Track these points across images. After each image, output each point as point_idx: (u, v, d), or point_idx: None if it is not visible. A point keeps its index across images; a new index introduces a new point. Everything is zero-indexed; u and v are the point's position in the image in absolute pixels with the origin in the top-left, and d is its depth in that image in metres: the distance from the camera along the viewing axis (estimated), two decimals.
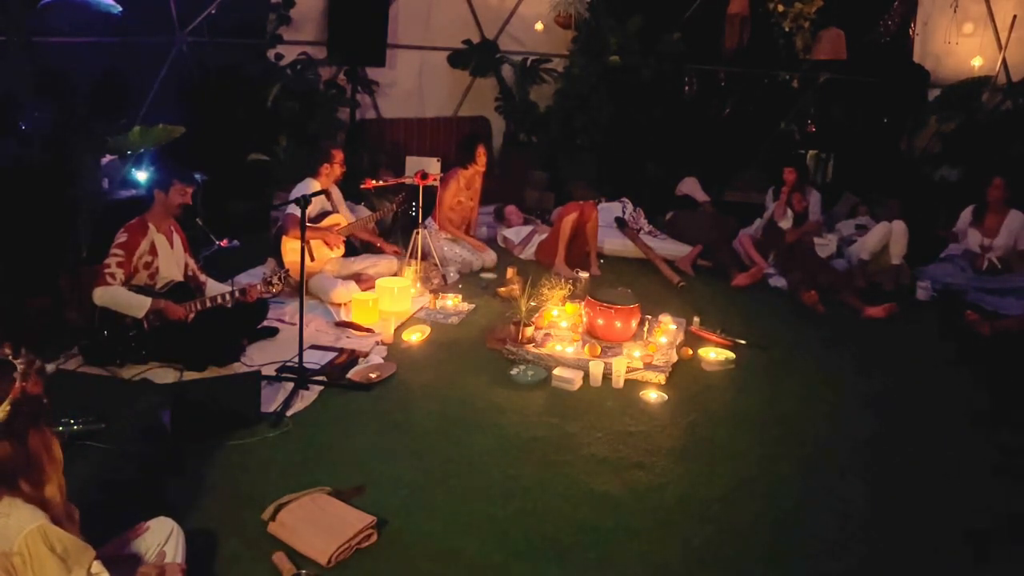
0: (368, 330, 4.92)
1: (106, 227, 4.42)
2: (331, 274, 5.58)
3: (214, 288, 4.54)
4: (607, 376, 4.34)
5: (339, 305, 5.31)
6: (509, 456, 3.53)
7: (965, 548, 3.06)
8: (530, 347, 4.63)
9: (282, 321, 4.93)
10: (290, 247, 5.28)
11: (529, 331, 4.69)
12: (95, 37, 5.81)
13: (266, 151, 7.16)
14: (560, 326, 4.96)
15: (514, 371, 4.41)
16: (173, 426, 3.47)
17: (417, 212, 5.96)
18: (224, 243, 5.37)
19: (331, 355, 4.45)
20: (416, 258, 5.94)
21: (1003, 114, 8.06)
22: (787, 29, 8.31)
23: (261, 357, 4.42)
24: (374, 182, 6.13)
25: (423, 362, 4.59)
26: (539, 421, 3.89)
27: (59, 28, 5.42)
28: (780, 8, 8.21)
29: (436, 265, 6.05)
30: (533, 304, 4.85)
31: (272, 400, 3.87)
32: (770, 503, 3.28)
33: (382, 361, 4.51)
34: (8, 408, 1.94)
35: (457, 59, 9.06)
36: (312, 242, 5.32)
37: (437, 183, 6.24)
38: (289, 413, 3.78)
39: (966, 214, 6.54)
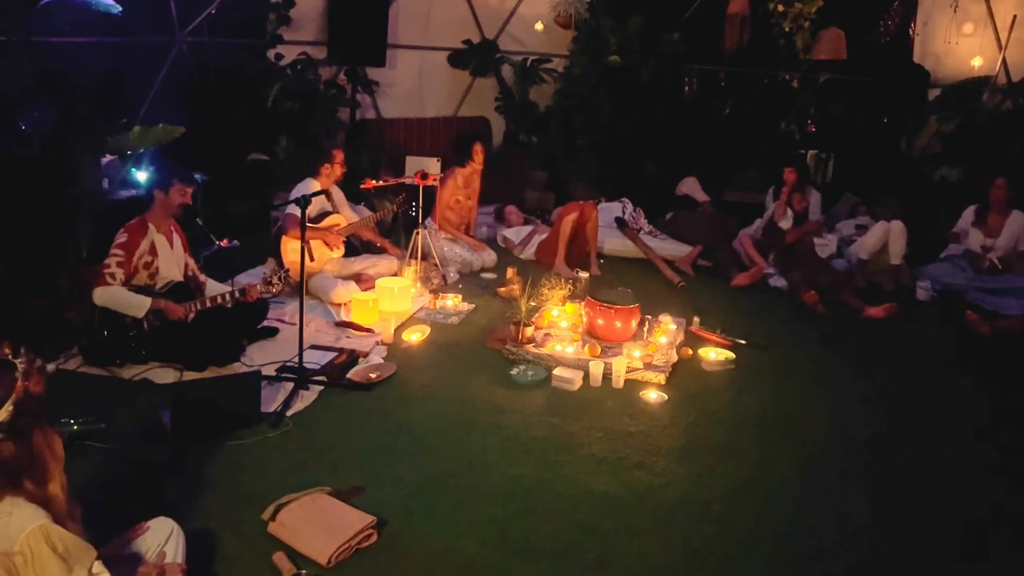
0: (368, 330, 4.92)
1: (106, 227, 4.42)
2: (331, 274, 5.58)
3: (214, 288, 4.55)
4: (607, 376, 4.34)
5: (339, 305, 5.31)
6: (509, 456, 3.53)
7: (965, 548, 3.06)
8: (530, 347, 4.63)
9: (282, 321, 4.93)
10: (290, 247, 5.28)
11: (529, 331, 4.69)
12: (95, 37, 5.80)
13: (266, 151, 7.16)
14: (560, 326, 4.96)
15: (514, 371, 4.41)
16: (173, 426, 3.47)
17: (417, 212, 5.96)
18: (224, 243, 5.37)
19: (331, 355, 4.45)
20: (416, 258, 5.94)
21: (1003, 114, 8.06)
22: (787, 29, 8.31)
23: (261, 357, 4.42)
24: (374, 182, 6.13)
25: (423, 362, 4.59)
26: (539, 421, 3.89)
27: (59, 28, 5.41)
28: (780, 8, 8.21)
29: (436, 265, 6.05)
30: (533, 304, 4.85)
31: (272, 400, 3.87)
32: (770, 503, 3.28)
33: (382, 361, 4.51)
34: (11, 408, 1.94)
35: (457, 59, 9.06)
36: (312, 242, 5.32)
37: (437, 183, 6.24)
38: (289, 413, 3.78)
39: (968, 214, 6.53)
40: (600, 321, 4.75)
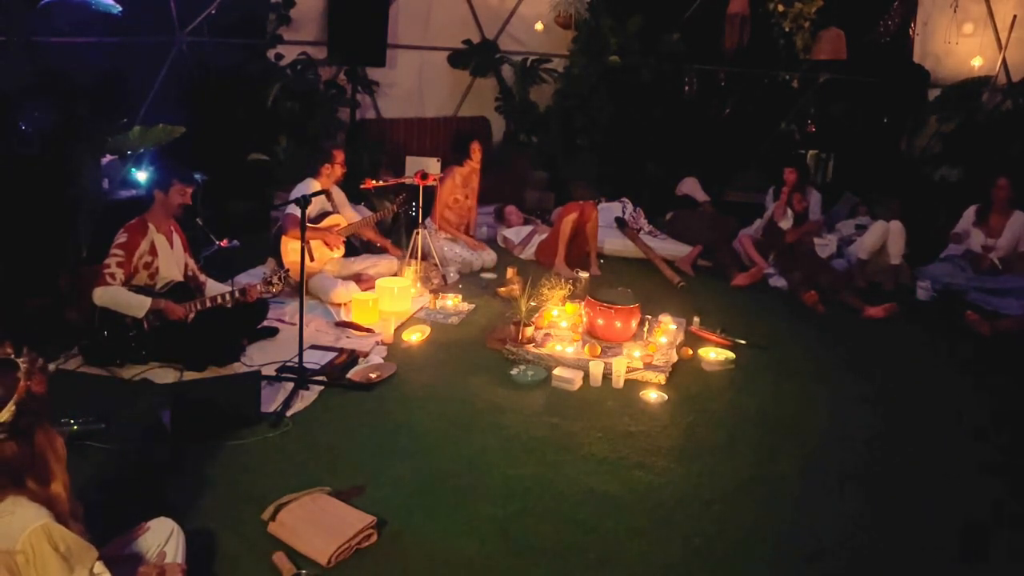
0: (368, 330, 4.92)
1: (106, 227, 4.42)
2: (331, 274, 5.58)
3: (214, 288, 4.55)
4: (607, 376, 4.34)
5: (339, 305, 5.31)
6: (509, 456, 3.53)
7: (965, 548, 3.06)
8: (530, 347, 4.63)
9: (282, 321, 4.93)
10: (290, 247, 5.28)
11: (529, 331, 4.69)
12: (95, 37, 5.80)
13: (266, 151, 7.16)
14: (560, 326, 4.96)
15: (514, 371, 4.41)
16: (173, 426, 3.47)
17: (417, 212, 5.96)
18: (224, 243, 5.36)
19: (331, 355, 4.45)
20: (416, 258, 5.94)
21: (1003, 114, 8.06)
22: (787, 29, 8.31)
23: (261, 357, 4.42)
24: (374, 182, 6.13)
25: (423, 362, 4.59)
26: (539, 421, 3.89)
27: (59, 28, 5.41)
28: (780, 8, 8.21)
29: (436, 265, 6.05)
30: (533, 304, 4.85)
31: (272, 400, 3.87)
32: (770, 503, 3.28)
33: (382, 361, 4.51)
34: (13, 408, 1.94)
35: (457, 59, 9.06)
36: (312, 242, 5.32)
37: (437, 183, 6.24)
38: (289, 413, 3.78)
39: (969, 214, 6.51)
40: (600, 321, 4.75)
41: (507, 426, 3.81)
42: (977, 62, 8.20)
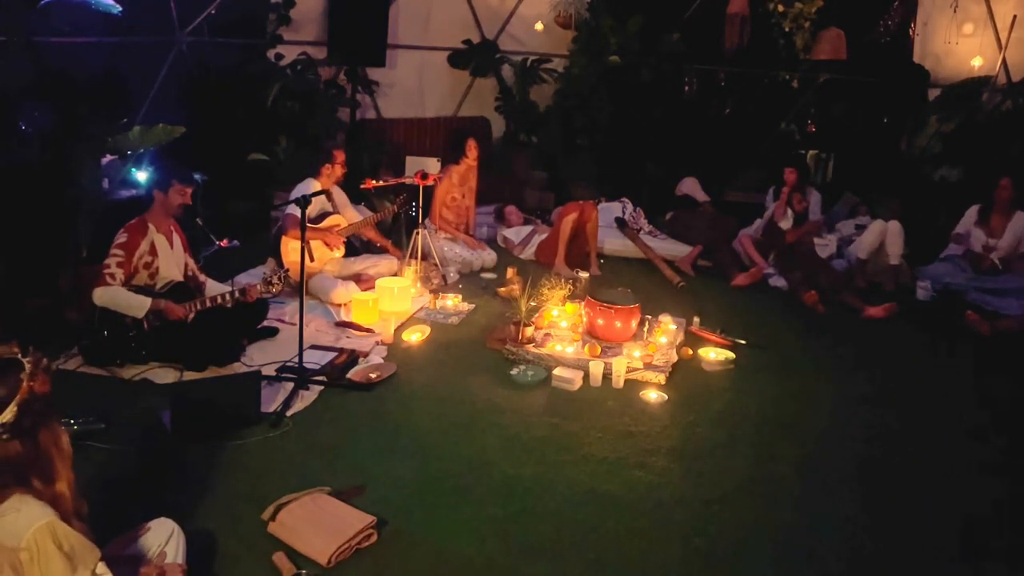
0: (368, 330, 4.92)
1: (106, 227, 4.42)
2: (331, 274, 5.58)
3: (214, 288, 4.54)
4: (607, 376, 4.34)
5: (339, 305, 5.31)
6: (509, 456, 3.53)
7: (965, 548, 3.06)
8: (530, 347, 4.63)
9: (282, 321, 4.93)
10: (290, 247, 5.28)
11: (529, 331, 4.69)
12: (95, 37, 5.81)
13: (266, 151, 7.16)
14: (560, 326, 4.96)
15: (514, 371, 4.41)
16: (173, 426, 3.47)
17: (417, 212, 5.96)
18: (224, 243, 5.37)
19: (331, 355, 4.45)
20: (416, 258, 5.94)
21: (1003, 114, 8.06)
22: (787, 29, 8.31)
23: (261, 357, 4.42)
24: (374, 182, 6.13)
25: (423, 362, 4.59)
26: (539, 421, 3.89)
27: (59, 28, 5.41)
28: (780, 8, 8.21)
29: (436, 265, 6.05)
30: (533, 304, 4.85)
31: (272, 400, 3.87)
32: (770, 503, 3.28)
33: (382, 361, 4.51)
34: (15, 409, 1.94)
35: (457, 59, 9.06)
36: (312, 242, 5.32)
37: (436, 183, 6.24)
38: (289, 413, 3.78)
39: (971, 213, 6.50)
40: (600, 321, 4.75)
41: (507, 426, 3.81)
42: (977, 62, 8.20)
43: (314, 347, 4.54)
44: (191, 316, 4.20)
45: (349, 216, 5.78)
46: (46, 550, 1.91)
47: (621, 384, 4.31)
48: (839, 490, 3.41)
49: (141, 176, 5.54)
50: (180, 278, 4.40)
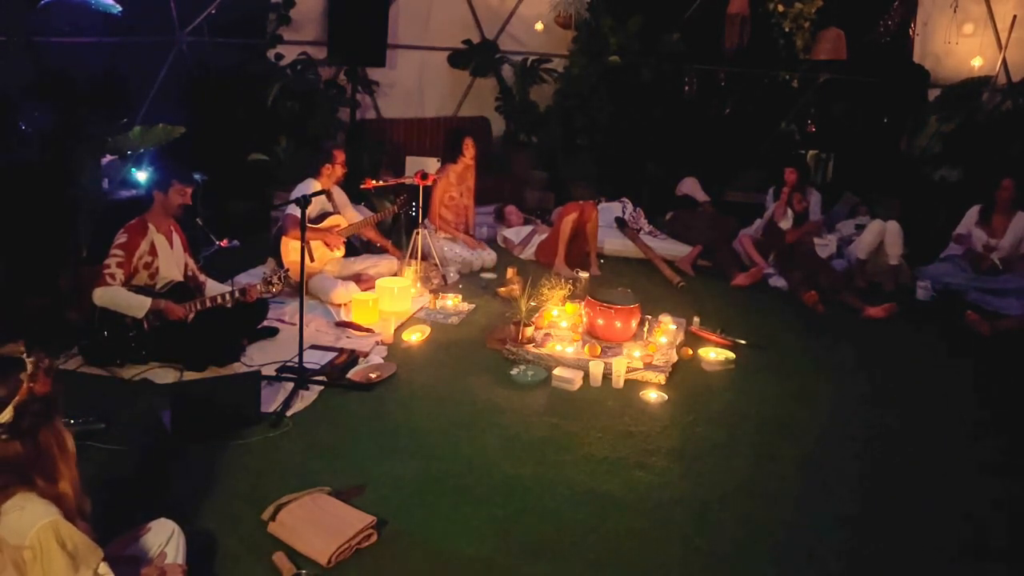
0: (368, 330, 4.92)
1: (106, 227, 4.42)
2: (331, 274, 5.58)
3: (214, 288, 4.54)
4: (607, 376, 4.34)
5: (339, 305, 5.31)
6: (509, 456, 3.53)
7: (965, 548, 3.06)
8: (530, 347, 4.63)
9: (282, 321, 4.93)
10: (290, 247, 5.28)
11: (529, 331, 4.69)
12: (95, 37, 5.81)
13: (266, 151, 7.16)
14: (560, 326, 4.96)
15: (514, 371, 4.41)
16: (173, 426, 3.47)
17: (417, 212, 5.96)
18: (224, 243, 5.37)
19: (331, 355, 4.45)
20: (416, 258, 5.94)
21: (1003, 114, 8.05)
22: (787, 29, 8.31)
23: (261, 357, 4.42)
24: (374, 182, 6.13)
25: (423, 362, 4.59)
26: (539, 421, 3.89)
27: (59, 28, 5.41)
28: (780, 8, 8.21)
29: (436, 265, 6.05)
30: (533, 304, 4.85)
31: (272, 400, 3.87)
32: (770, 503, 3.28)
33: (382, 361, 4.51)
34: (12, 410, 1.94)
35: (457, 59, 9.06)
36: (312, 242, 5.32)
37: (435, 183, 6.24)
38: (289, 413, 3.78)
39: (972, 214, 6.50)
40: (600, 321, 4.75)
41: (507, 426, 3.81)
42: (977, 62, 8.19)
43: (314, 347, 4.54)
44: (191, 316, 4.20)
45: (349, 216, 5.78)
46: (49, 549, 1.91)
47: (621, 384, 4.31)
48: (839, 490, 3.41)
49: (141, 176, 5.54)
50: (180, 278, 4.40)
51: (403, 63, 8.83)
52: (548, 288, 5.00)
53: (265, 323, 4.75)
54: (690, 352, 4.76)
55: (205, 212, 5.40)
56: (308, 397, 3.97)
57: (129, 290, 4.11)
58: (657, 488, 3.33)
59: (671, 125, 8.70)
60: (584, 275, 6.09)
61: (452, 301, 5.47)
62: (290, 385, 4.01)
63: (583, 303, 4.95)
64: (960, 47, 8.27)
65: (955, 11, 8.10)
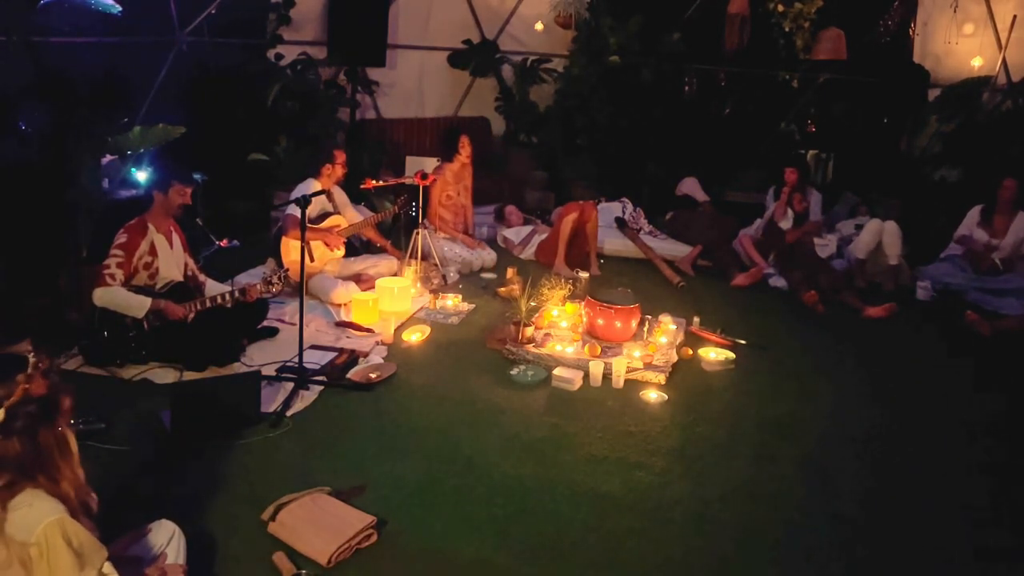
0: (368, 330, 4.92)
1: (106, 227, 4.42)
2: (331, 274, 5.58)
3: (213, 288, 4.54)
4: (607, 376, 4.34)
5: (339, 305, 5.31)
6: (509, 456, 3.53)
7: (965, 548, 3.06)
8: (530, 347, 4.63)
9: (282, 321, 4.93)
10: (290, 247, 5.28)
11: (529, 331, 4.69)
12: (95, 37, 5.80)
13: (266, 151, 7.16)
14: (560, 326, 4.96)
15: (514, 371, 4.41)
16: (173, 426, 3.47)
17: (417, 212, 5.96)
18: (224, 243, 5.37)
19: (331, 355, 4.45)
20: (416, 258, 5.94)
21: (1003, 114, 8.06)
22: (787, 29, 8.31)
23: (261, 357, 4.42)
24: (374, 182, 6.13)
25: (423, 362, 4.59)
26: (539, 421, 3.89)
27: (59, 28, 5.41)
28: (780, 8, 8.21)
29: (436, 265, 6.05)
30: (533, 304, 4.85)
31: (272, 400, 3.87)
32: (770, 503, 3.28)
33: (382, 361, 4.51)
34: (4, 410, 1.95)
35: (457, 59, 9.06)
36: (312, 242, 5.32)
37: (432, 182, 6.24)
38: (289, 413, 3.78)
39: (973, 214, 6.49)
40: (600, 321, 4.75)
41: (507, 426, 3.81)
42: (977, 62, 8.19)
43: (314, 347, 4.54)
44: (191, 316, 4.20)
45: (349, 216, 5.78)
46: (55, 546, 1.92)
47: (621, 384, 4.31)
48: (839, 490, 3.41)
49: (141, 176, 5.54)
50: (180, 278, 4.40)
51: (403, 63, 8.83)
52: (548, 288, 5.00)
53: (265, 323, 4.75)
54: (690, 352, 4.76)
55: (205, 212, 5.40)
56: (308, 397, 3.97)
57: (129, 290, 4.11)
58: (657, 488, 3.33)
59: (671, 125, 8.69)
60: (584, 275, 6.08)
61: (452, 301, 5.47)
62: (290, 385, 4.01)
63: (583, 303, 4.95)
64: (960, 47, 8.27)
65: (955, 11, 8.10)
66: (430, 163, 6.22)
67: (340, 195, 5.77)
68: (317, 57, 7.83)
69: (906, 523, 3.20)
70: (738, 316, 5.53)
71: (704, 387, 4.42)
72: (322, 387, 4.08)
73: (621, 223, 7.41)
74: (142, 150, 5.27)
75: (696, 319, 5.22)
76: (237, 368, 4.24)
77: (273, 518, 2.86)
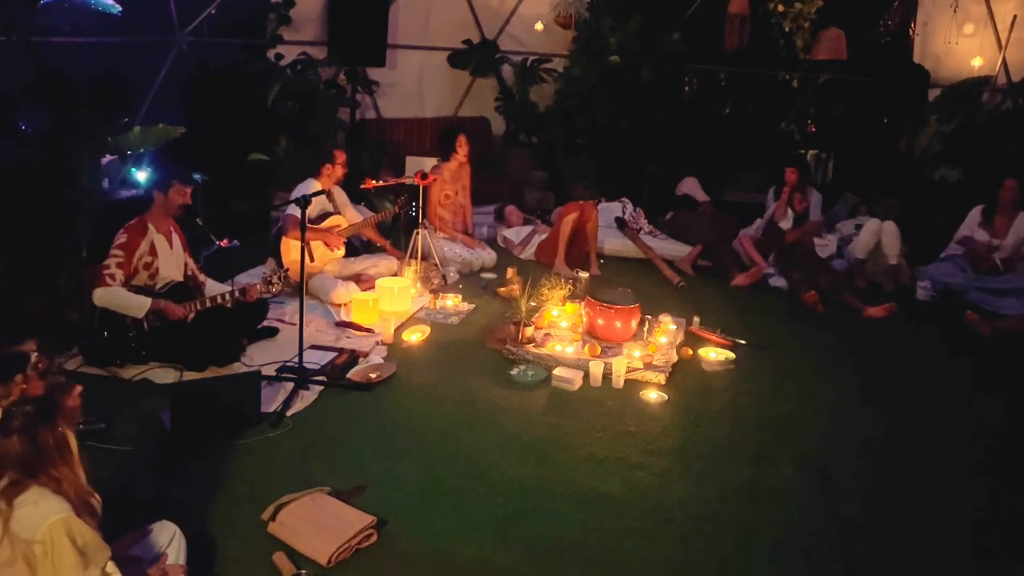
0: (368, 330, 4.93)
1: (106, 227, 4.42)
2: (331, 274, 5.58)
3: (213, 288, 4.54)
4: (607, 376, 4.34)
5: (339, 305, 5.31)
6: (509, 456, 3.53)
7: (965, 548, 3.06)
8: (530, 347, 4.63)
9: (282, 321, 4.93)
10: (290, 247, 5.28)
11: (529, 331, 4.69)
12: (95, 37, 5.81)
13: (266, 151, 7.15)
14: (560, 326, 4.96)
15: (514, 371, 4.41)
16: (173, 426, 3.47)
17: (417, 212, 5.96)
18: (224, 243, 5.37)
19: (331, 355, 4.45)
20: (416, 258, 5.94)
21: (1003, 114, 8.06)
22: (787, 29, 8.31)
23: (261, 357, 4.42)
24: (374, 182, 6.13)
25: (423, 362, 4.59)
26: (539, 421, 3.89)
27: (59, 28, 5.41)
28: (780, 8, 8.21)
29: (436, 265, 6.05)
30: (533, 304, 4.85)
31: (272, 400, 3.88)
32: (770, 503, 3.28)
33: (382, 361, 4.51)
34: (1, 411, 1.96)
35: (457, 59, 9.06)
36: (312, 243, 5.32)
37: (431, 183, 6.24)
38: (289, 413, 3.78)
39: (974, 214, 6.49)
40: (600, 321, 4.75)
41: (507, 426, 3.81)
42: (977, 62, 8.20)
43: (314, 347, 4.54)
44: (191, 316, 4.20)
45: (349, 216, 5.78)
46: (60, 544, 1.92)
47: (621, 384, 4.31)
48: (839, 490, 3.41)
49: (141, 176, 5.54)
50: (180, 278, 4.40)
51: (403, 63, 8.83)
52: (548, 288, 5.00)
53: (265, 323, 4.75)
54: (690, 352, 4.76)
55: (205, 212, 5.40)
56: (308, 397, 3.97)
57: (129, 290, 4.11)
58: (657, 488, 3.33)
59: (671, 125, 8.69)
60: (584, 275, 6.09)
61: (452, 301, 5.47)
62: (290, 385, 4.01)
63: (583, 303, 4.95)
64: (960, 47, 8.27)
65: (955, 11, 8.10)
66: (430, 163, 6.22)
67: (340, 195, 5.77)
68: (317, 57, 7.83)
69: (906, 523, 3.20)
70: (738, 316, 5.53)
71: (704, 387, 4.42)
72: (322, 387, 4.08)
73: (621, 223, 7.41)
74: (142, 150, 5.27)
75: (696, 319, 5.22)
76: (237, 368, 4.24)
77: (273, 518, 2.86)
